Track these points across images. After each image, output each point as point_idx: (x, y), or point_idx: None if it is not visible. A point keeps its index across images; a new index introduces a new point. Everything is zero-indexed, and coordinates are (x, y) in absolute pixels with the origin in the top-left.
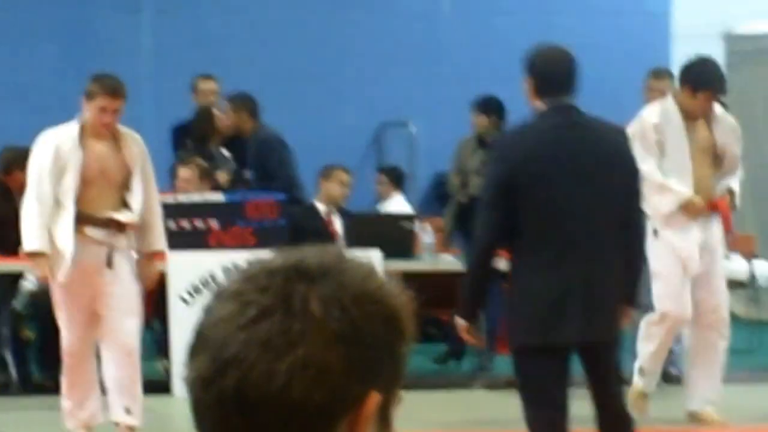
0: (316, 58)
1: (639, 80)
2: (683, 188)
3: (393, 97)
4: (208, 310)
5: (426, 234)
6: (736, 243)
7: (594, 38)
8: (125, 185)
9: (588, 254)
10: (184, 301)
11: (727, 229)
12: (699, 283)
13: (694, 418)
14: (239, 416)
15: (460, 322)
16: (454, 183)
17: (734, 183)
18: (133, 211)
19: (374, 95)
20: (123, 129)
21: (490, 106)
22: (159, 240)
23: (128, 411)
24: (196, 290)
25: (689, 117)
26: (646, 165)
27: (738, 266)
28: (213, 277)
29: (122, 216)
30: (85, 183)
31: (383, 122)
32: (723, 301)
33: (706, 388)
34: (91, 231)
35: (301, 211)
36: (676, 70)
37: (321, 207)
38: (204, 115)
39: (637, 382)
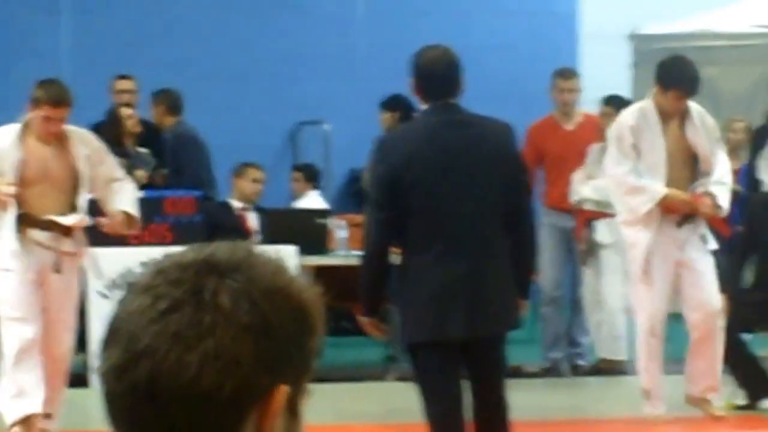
0: (233, 58)
1: (547, 80)
2: (657, 185)
3: (308, 96)
4: (121, 304)
5: (340, 230)
6: None
7: (505, 38)
8: (74, 188)
9: (473, 251)
10: (103, 296)
11: (723, 231)
12: (686, 280)
13: (695, 402)
14: (151, 407)
15: (363, 318)
16: (366, 180)
17: (714, 186)
18: (79, 213)
19: (290, 95)
20: (71, 129)
21: (396, 104)
22: (129, 205)
23: (48, 416)
24: (115, 285)
25: (665, 117)
26: (620, 168)
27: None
28: (131, 273)
29: (66, 219)
30: (26, 184)
31: (299, 121)
32: (711, 296)
33: (707, 376)
34: (34, 233)
35: (216, 208)
36: (583, 71)
37: (236, 204)
38: (112, 116)
39: (645, 406)
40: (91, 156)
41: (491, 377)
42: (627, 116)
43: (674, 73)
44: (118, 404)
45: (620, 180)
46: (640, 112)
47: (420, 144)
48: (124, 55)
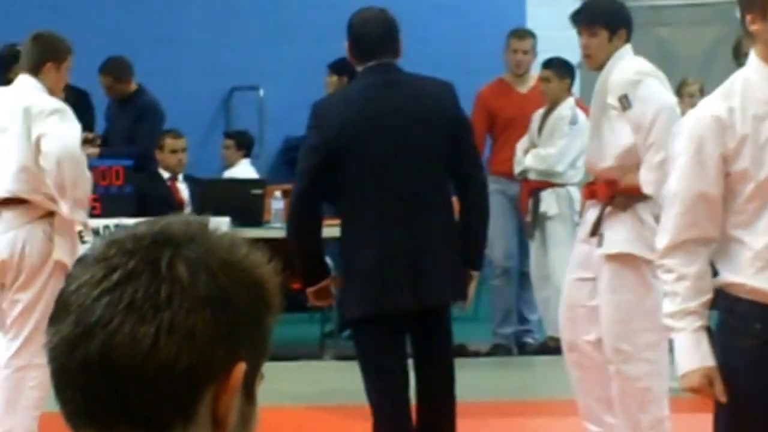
0: (162, 21)
1: (495, 42)
2: None
3: (241, 61)
4: (71, 277)
5: (275, 201)
6: None
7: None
8: None
9: (412, 219)
10: None
11: None
12: None
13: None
14: (104, 383)
15: (308, 290)
16: None
17: None
18: None
19: (222, 59)
20: None
21: (343, 67)
22: None
23: None
24: None
25: None
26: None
27: None
28: None
29: None
30: None
31: (231, 86)
32: None
33: None
34: None
35: (145, 178)
36: (534, 31)
37: (164, 174)
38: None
39: None
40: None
41: (436, 351)
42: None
43: None
44: (67, 381)
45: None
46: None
47: (353, 108)
48: (46, 18)
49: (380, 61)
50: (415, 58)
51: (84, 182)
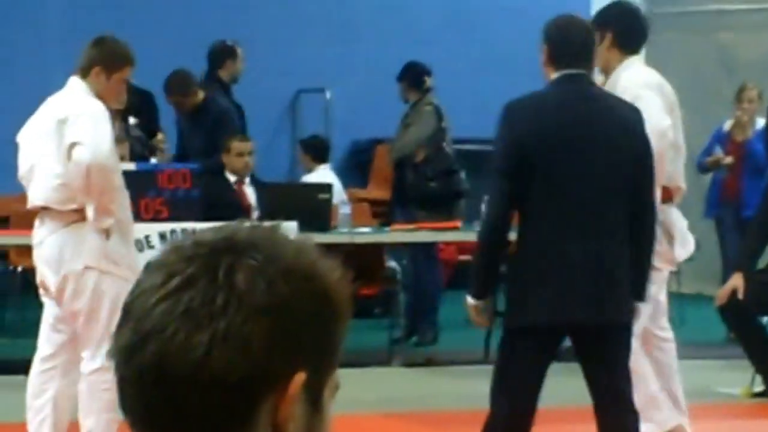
0: (228, 23)
1: None
2: None
3: (307, 62)
4: (136, 283)
5: (343, 206)
6: None
7: (511, 0)
8: None
9: (597, 231)
10: None
11: None
12: None
13: None
14: (159, 391)
15: (470, 301)
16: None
17: None
18: None
19: (289, 61)
20: None
21: (403, 73)
22: None
23: None
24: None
25: None
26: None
27: None
28: None
29: None
30: None
31: (298, 89)
32: None
33: None
34: None
35: (212, 183)
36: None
37: (230, 177)
38: None
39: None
40: None
41: (613, 366)
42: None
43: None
44: (126, 390)
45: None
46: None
47: (549, 115)
48: (112, 20)
49: (577, 71)
50: (481, 60)
51: (111, 191)
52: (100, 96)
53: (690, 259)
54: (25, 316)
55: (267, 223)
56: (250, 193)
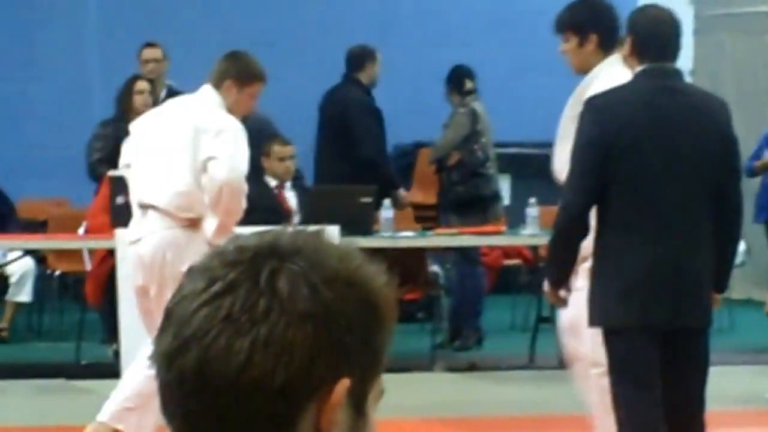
0: (270, 23)
1: None
2: None
3: None
4: (179, 287)
5: (386, 209)
6: None
7: (556, 4)
8: None
9: (681, 231)
10: None
11: None
12: None
13: None
14: (198, 398)
15: (549, 289)
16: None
17: None
18: None
19: (328, 62)
20: None
21: (449, 77)
22: None
23: None
24: None
25: None
26: None
27: None
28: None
29: None
30: None
31: None
32: None
33: None
34: None
35: (252, 186)
36: None
37: (271, 182)
38: (125, 87)
39: None
40: None
41: (693, 371)
42: None
43: None
44: (168, 395)
45: None
46: None
47: (634, 110)
48: (152, 21)
49: (663, 65)
50: (524, 63)
51: (237, 212)
52: (229, 108)
53: (740, 264)
54: (62, 320)
55: (311, 228)
56: (291, 198)
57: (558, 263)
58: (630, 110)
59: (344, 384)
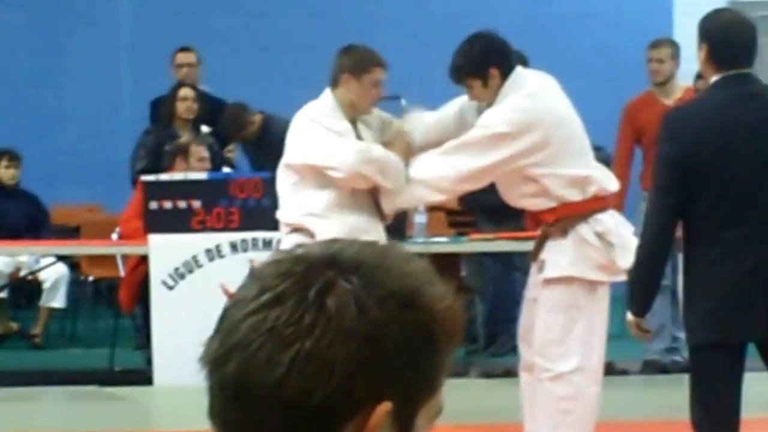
0: (302, 27)
1: (640, 51)
2: None
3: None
4: (238, 289)
5: (419, 215)
6: None
7: (590, 6)
8: None
9: (766, 242)
10: (166, 285)
11: None
12: None
13: None
14: (237, 408)
15: (630, 317)
16: None
17: None
18: None
19: None
20: None
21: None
22: None
23: None
24: (179, 274)
25: None
26: None
27: None
28: (196, 260)
29: None
30: None
31: None
32: None
33: None
34: None
35: None
36: (679, 39)
37: None
38: (170, 94)
39: None
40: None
41: None
42: None
43: None
44: (212, 400)
45: None
46: None
47: (712, 121)
48: (184, 25)
49: (740, 71)
50: (560, 67)
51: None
52: (352, 103)
53: None
54: (96, 327)
55: (382, 242)
56: None
57: (644, 287)
58: (707, 121)
59: (385, 407)
